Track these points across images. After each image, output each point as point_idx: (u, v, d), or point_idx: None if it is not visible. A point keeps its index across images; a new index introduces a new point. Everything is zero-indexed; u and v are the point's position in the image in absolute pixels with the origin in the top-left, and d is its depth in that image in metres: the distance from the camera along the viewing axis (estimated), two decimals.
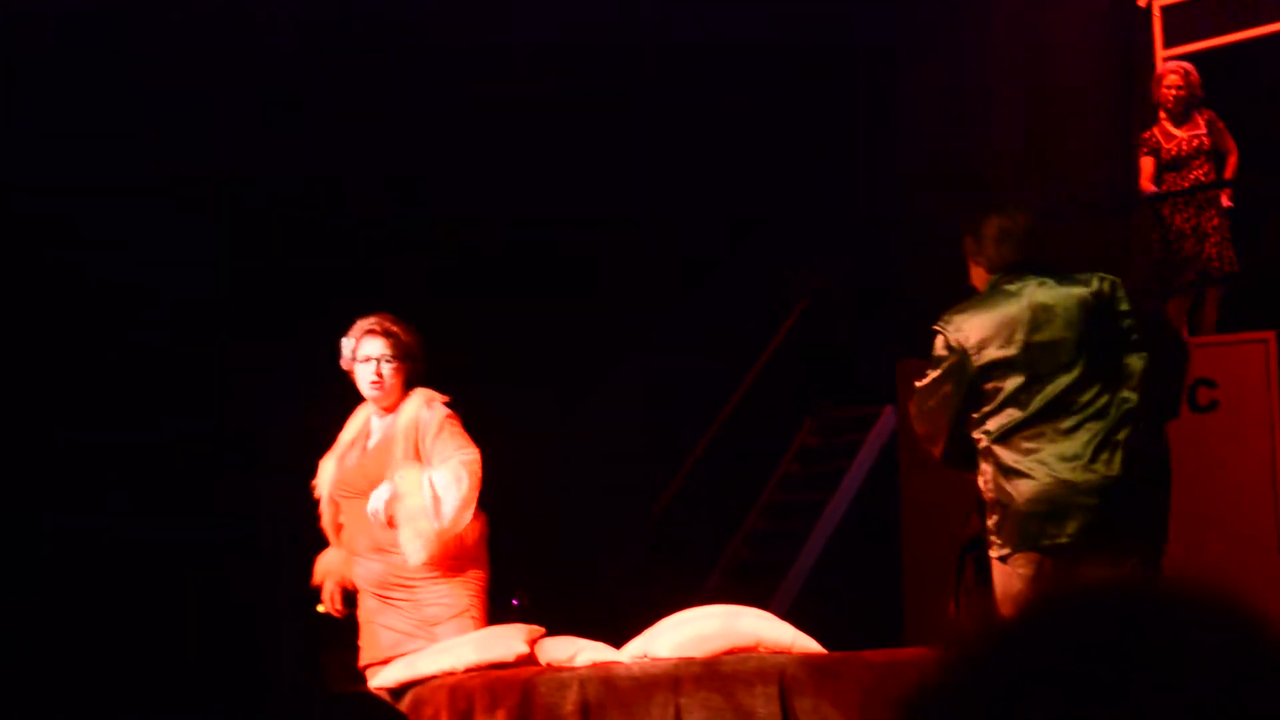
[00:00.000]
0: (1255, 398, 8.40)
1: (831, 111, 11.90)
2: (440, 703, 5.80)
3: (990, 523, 5.63)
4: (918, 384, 5.79)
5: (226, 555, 9.90)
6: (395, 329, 6.31)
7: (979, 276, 5.84)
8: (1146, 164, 9.60)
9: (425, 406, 6.23)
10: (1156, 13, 11.05)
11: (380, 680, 6.02)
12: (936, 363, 5.72)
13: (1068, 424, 5.54)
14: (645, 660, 5.93)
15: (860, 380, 10.90)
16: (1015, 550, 5.54)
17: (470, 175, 11.07)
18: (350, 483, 6.27)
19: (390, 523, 6.05)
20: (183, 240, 10.23)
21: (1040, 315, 5.64)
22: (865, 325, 11.28)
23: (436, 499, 6.04)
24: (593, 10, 11.42)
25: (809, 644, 6.12)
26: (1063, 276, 5.71)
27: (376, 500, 6.06)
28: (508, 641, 6.03)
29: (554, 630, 6.26)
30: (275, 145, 10.52)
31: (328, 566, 6.38)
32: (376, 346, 6.27)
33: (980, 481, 5.68)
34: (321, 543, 6.53)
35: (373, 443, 6.31)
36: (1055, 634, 1.01)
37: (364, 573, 6.27)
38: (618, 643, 6.26)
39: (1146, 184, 9.57)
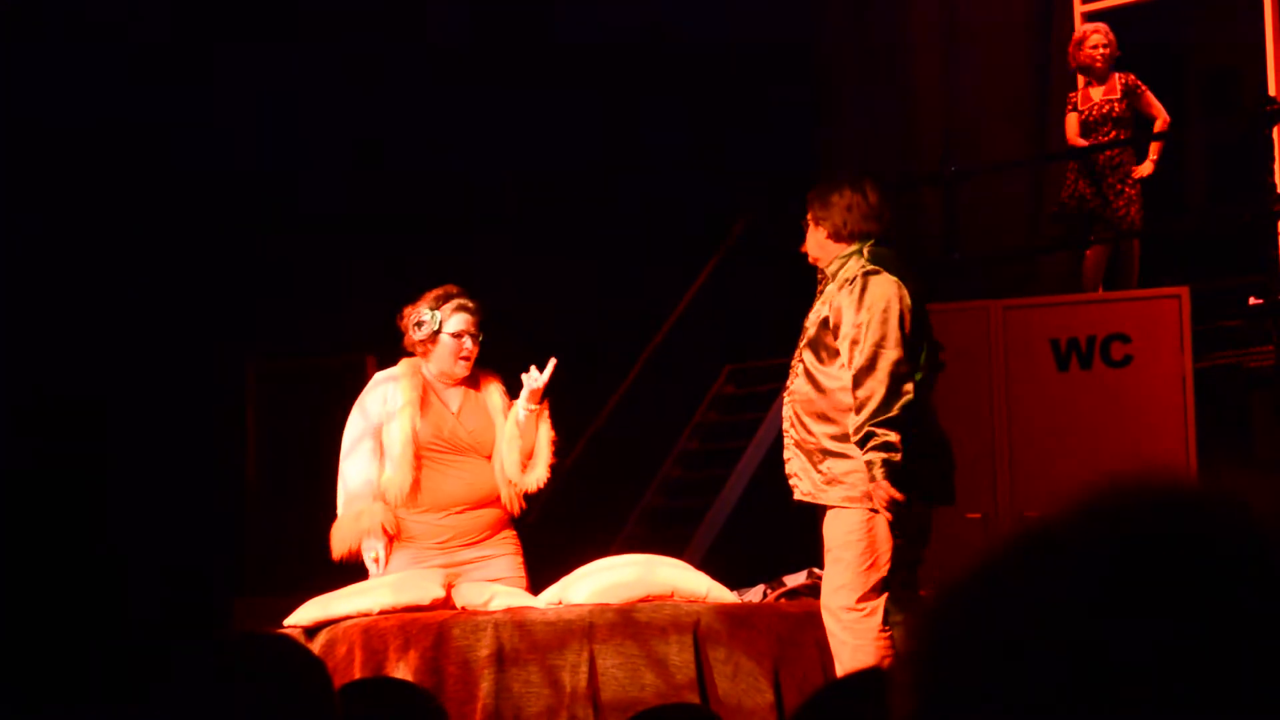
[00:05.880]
0: (1168, 352, 8.50)
1: (750, 69, 11.84)
2: (354, 643, 5.77)
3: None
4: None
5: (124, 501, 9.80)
6: (477, 304, 6.31)
7: (819, 242, 5.91)
8: (1071, 120, 9.68)
9: (505, 396, 6.40)
10: None
11: (294, 619, 5.98)
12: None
13: None
14: (560, 606, 5.94)
15: (777, 331, 10.89)
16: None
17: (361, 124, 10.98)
18: (449, 440, 6.24)
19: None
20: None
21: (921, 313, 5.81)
22: (782, 276, 11.27)
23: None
24: None
25: (724, 594, 6.17)
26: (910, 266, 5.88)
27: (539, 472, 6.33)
28: (423, 585, 6.01)
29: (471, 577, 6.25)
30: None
31: (382, 520, 6.16)
32: (468, 322, 6.26)
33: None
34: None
35: (457, 407, 6.30)
36: (1094, 532, 0.96)
37: (451, 524, 6.24)
38: (534, 589, 6.26)
39: (1075, 139, 9.64)
